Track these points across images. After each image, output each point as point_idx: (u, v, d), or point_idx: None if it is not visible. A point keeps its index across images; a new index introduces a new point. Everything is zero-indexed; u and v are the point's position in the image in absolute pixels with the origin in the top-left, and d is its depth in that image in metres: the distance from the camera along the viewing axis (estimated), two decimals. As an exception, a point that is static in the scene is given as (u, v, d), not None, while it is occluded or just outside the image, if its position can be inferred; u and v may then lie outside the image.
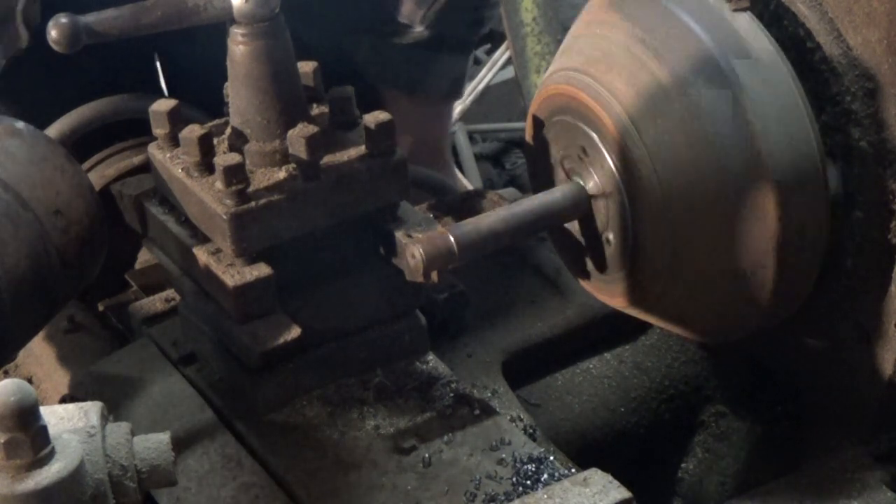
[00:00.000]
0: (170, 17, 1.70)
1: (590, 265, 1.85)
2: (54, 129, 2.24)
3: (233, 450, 1.75)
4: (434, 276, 1.68)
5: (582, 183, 1.79)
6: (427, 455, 1.70)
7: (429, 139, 2.70)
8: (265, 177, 1.72)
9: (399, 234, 1.74)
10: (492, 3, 2.58)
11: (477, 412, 1.75)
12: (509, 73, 3.54)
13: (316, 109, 1.79)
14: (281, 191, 1.70)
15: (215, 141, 1.75)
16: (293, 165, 1.72)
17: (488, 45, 3.77)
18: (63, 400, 1.97)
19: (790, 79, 1.68)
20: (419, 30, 2.43)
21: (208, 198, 1.70)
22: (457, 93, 2.69)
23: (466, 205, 2.03)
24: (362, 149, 1.74)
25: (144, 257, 2.20)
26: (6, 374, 2.13)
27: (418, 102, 2.65)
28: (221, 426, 1.79)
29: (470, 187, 2.90)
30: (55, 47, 1.66)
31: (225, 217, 1.68)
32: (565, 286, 2.05)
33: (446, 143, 2.77)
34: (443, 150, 2.74)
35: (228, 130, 1.76)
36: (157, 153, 1.80)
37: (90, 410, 1.47)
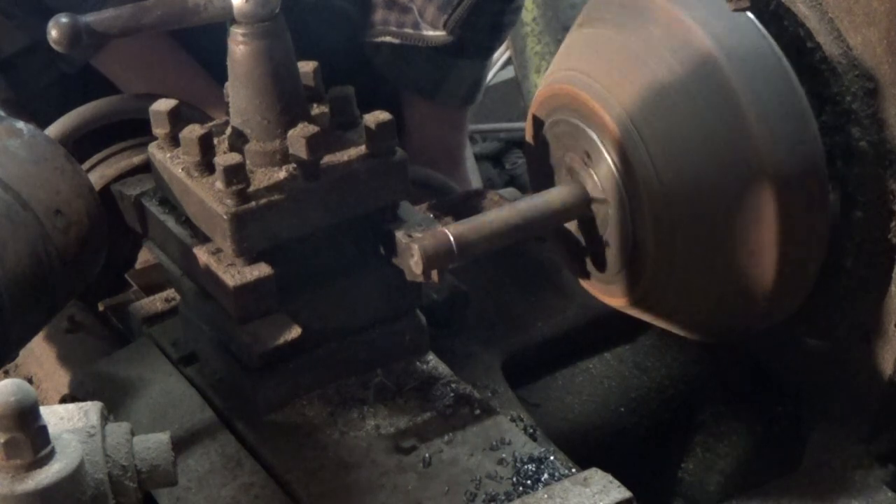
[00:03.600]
0: (170, 16, 1.70)
1: (590, 265, 1.85)
2: (54, 129, 2.23)
3: (233, 450, 1.75)
4: (434, 275, 1.68)
5: (582, 183, 1.79)
6: (427, 455, 1.70)
7: (446, 144, 2.71)
8: (265, 177, 1.72)
9: (399, 234, 1.74)
10: (513, 9, 2.58)
11: (477, 412, 1.75)
12: (509, 73, 3.55)
13: (316, 109, 1.79)
14: (281, 191, 1.70)
15: (215, 141, 1.75)
16: (293, 165, 1.72)
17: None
18: (63, 400, 1.97)
19: (790, 79, 1.68)
20: (441, 34, 2.43)
21: (208, 198, 1.70)
22: (473, 98, 2.70)
23: (466, 205, 2.03)
24: (362, 149, 1.74)
25: (144, 257, 2.20)
26: (6, 374, 2.13)
27: (437, 107, 2.66)
28: (221, 426, 1.79)
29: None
30: (55, 47, 1.66)
31: (225, 217, 1.68)
32: (565, 286, 2.05)
33: (463, 148, 2.77)
34: (459, 154, 2.75)
35: (228, 130, 1.76)
36: (157, 153, 1.80)
37: (90, 410, 1.47)
